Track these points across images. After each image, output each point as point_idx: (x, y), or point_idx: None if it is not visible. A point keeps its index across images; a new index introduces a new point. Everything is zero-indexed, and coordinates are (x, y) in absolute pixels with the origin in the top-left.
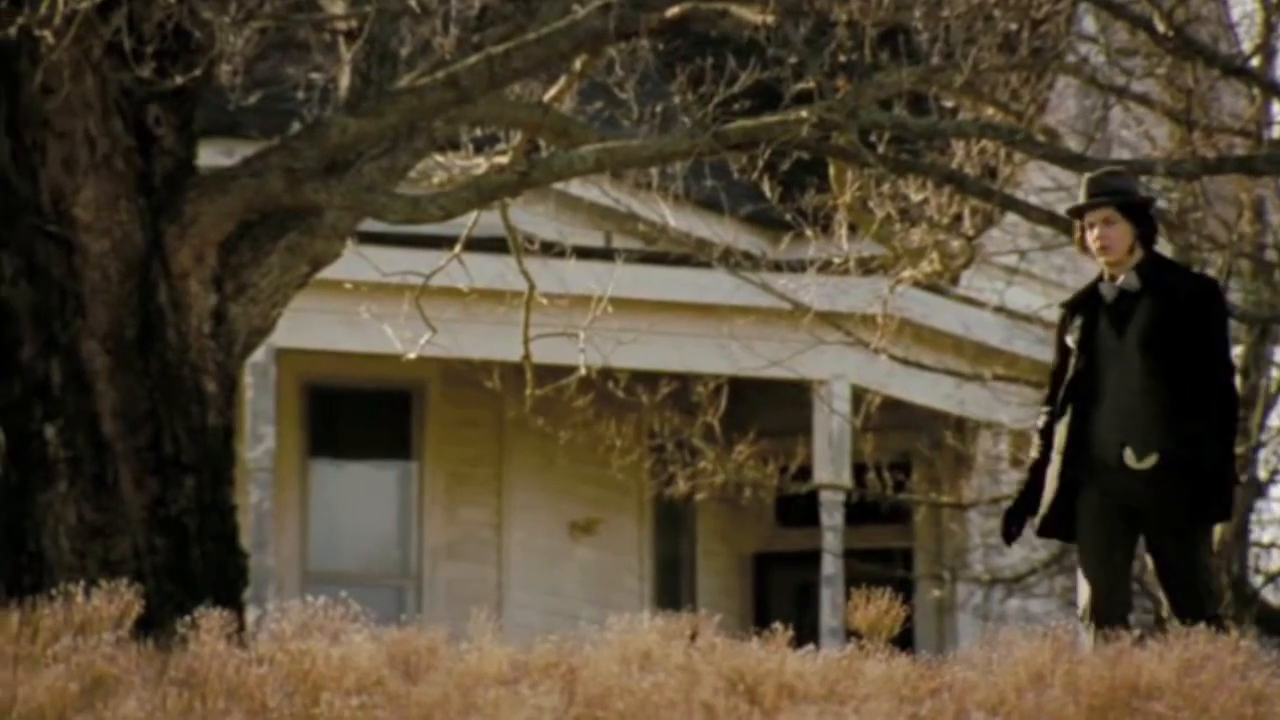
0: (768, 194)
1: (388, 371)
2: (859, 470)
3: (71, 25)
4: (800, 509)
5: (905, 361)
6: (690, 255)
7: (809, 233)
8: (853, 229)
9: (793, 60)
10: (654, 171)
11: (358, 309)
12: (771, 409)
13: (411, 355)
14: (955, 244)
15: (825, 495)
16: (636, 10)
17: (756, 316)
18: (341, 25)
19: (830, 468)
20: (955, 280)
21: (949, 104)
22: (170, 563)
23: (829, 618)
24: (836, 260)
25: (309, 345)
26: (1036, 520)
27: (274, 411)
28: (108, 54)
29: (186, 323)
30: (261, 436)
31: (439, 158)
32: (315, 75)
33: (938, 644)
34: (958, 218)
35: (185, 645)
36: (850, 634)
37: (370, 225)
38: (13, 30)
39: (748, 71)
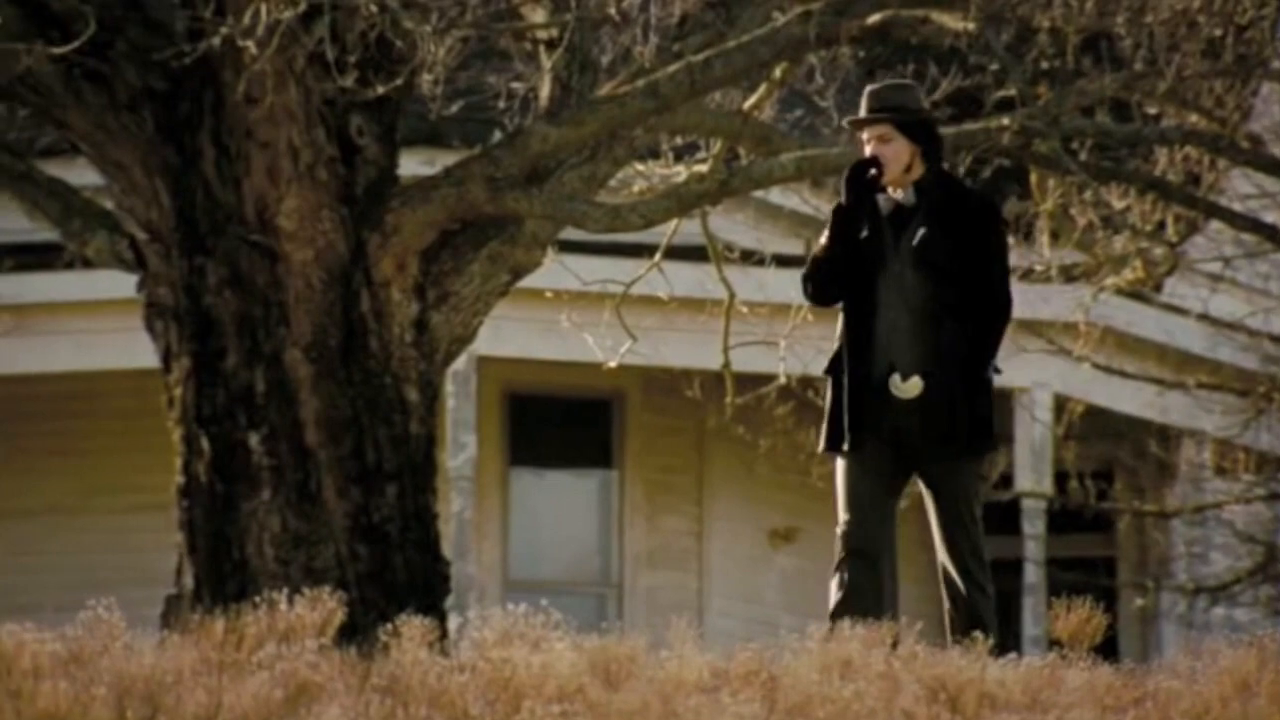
0: None
1: (588, 380)
2: (1061, 478)
3: (275, 36)
4: (1002, 517)
5: (1108, 369)
6: None
7: (1010, 240)
8: (1054, 236)
9: (994, 67)
10: None
11: (558, 317)
12: None
13: (612, 364)
14: (1158, 251)
15: (1027, 503)
16: (837, 17)
17: None
18: (542, 34)
19: (1032, 476)
20: (1158, 288)
21: (1152, 111)
22: (373, 571)
23: (1031, 626)
24: (1038, 268)
25: (510, 354)
26: (823, 437)
27: (475, 420)
28: (310, 64)
29: (389, 331)
30: (463, 445)
31: (639, 166)
32: (516, 84)
33: (1141, 653)
34: (1160, 225)
35: (387, 653)
36: (1052, 643)
37: (571, 234)
38: (217, 41)
39: (949, 78)
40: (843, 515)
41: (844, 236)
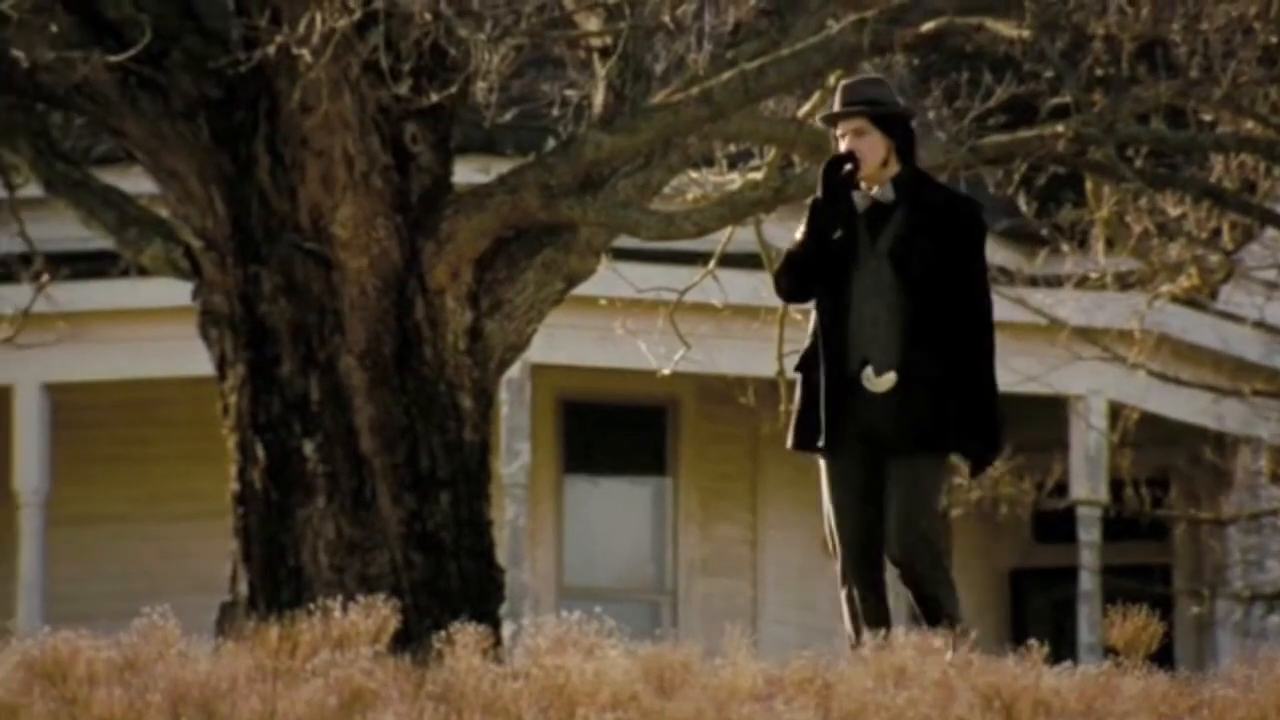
0: (1024, 209)
1: (642, 387)
2: (1116, 486)
3: (329, 44)
4: (1057, 525)
5: (1163, 377)
6: None
7: (1065, 247)
8: (1110, 244)
9: (1049, 74)
10: None
11: (612, 325)
12: (1028, 424)
13: (666, 371)
14: (1213, 259)
15: (1082, 511)
16: (891, 25)
17: (1012, 332)
18: (596, 42)
19: (1087, 483)
20: (1214, 295)
21: (1207, 118)
22: (427, 578)
23: (1086, 634)
24: (1093, 275)
25: (564, 361)
26: (790, 435)
27: (529, 427)
28: (365, 72)
29: (443, 339)
30: (517, 452)
31: (693, 174)
32: (570, 92)
33: (1197, 661)
34: (1216, 232)
35: (441, 660)
36: (1108, 650)
37: (625, 241)
38: (272, 49)
39: (1003, 86)
40: (832, 523)
41: (819, 232)
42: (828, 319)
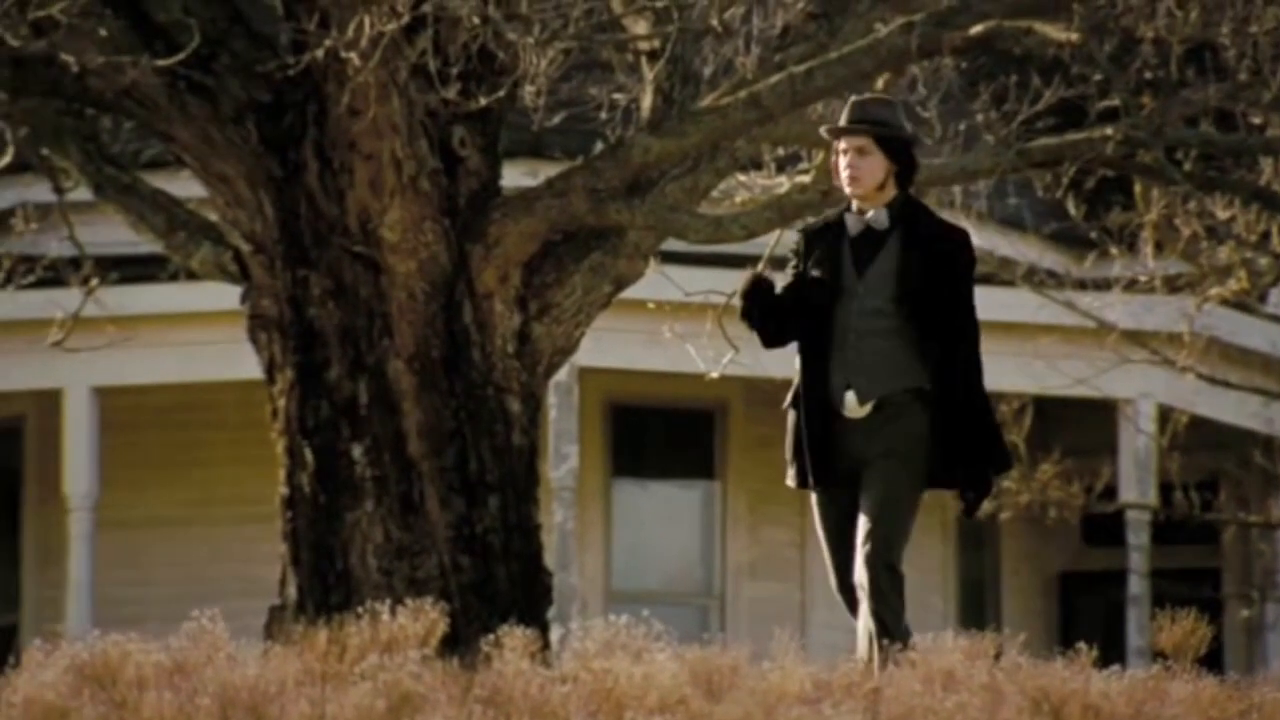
0: (1072, 212)
1: (690, 390)
2: (1165, 489)
3: (378, 48)
4: (1106, 528)
5: (1212, 380)
6: (993, 274)
7: (1114, 251)
8: (1158, 247)
9: (1098, 77)
10: (957, 190)
11: (660, 328)
12: (1076, 428)
13: (714, 374)
14: (1263, 261)
15: (1131, 515)
16: (939, 28)
17: (1061, 335)
18: (644, 45)
19: (1136, 487)
20: (1263, 298)
21: (1257, 121)
22: (475, 581)
23: (1135, 638)
24: (1142, 278)
25: (612, 365)
26: (790, 473)
27: (577, 431)
28: (413, 76)
29: (491, 342)
30: (565, 456)
31: (741, 177)
32: (618, 95)
33: (1246, 665)
34: (1265, 235)
35: (490, 664)
36: (1157, 654)
37: (673, 245)
38: (320, 53)
39: (1052, 89)
40: (829, 560)
41: (759, 324)
42: (813, 348)
